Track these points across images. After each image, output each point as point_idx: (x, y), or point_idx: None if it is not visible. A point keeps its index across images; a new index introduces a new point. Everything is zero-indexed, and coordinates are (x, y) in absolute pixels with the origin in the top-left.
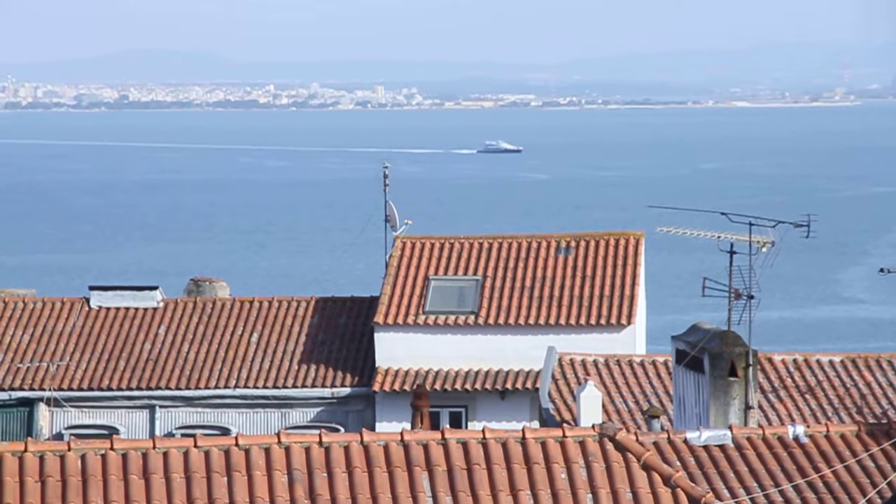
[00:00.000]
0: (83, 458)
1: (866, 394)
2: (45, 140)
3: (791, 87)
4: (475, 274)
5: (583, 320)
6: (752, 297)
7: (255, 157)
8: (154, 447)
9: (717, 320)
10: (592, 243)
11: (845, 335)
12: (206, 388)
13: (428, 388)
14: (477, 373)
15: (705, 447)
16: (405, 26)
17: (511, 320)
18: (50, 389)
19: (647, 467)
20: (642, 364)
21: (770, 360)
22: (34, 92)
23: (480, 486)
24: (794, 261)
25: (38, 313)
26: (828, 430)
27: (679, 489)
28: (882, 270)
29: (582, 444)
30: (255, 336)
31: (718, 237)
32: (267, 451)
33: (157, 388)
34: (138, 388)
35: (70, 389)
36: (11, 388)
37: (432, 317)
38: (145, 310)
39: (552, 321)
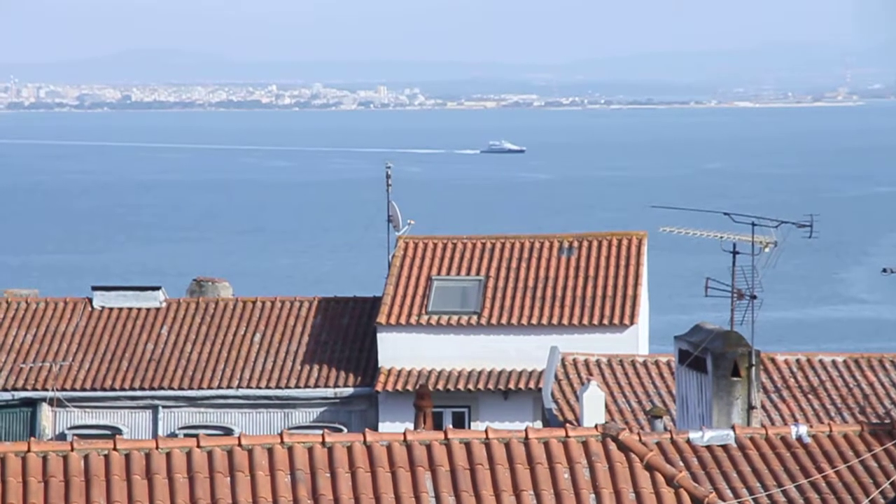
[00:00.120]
0: (86, 458)
1: (869, 394)
2: (47, 140)
3: (794, 88)
4: (478, 274)
5: (585, 320)
6: (754, 297)
7: (257, 157)
8: (157, 447)
9: (719, 320)
10: (595, 243)
11: (848, 335)
12: (209, 388)
13: (431, 388)
14: (480, 373)
15: (708, 447)
16: (408, 26)
17: (514, 320)
18: (53, 390)
19: (650, 467)
20: (645, 364)
21: (773, 360)
22: (37, 92)
23: (483, 486)
24: (796, 261)
25: (41, 313)
26: (831, 430)
27: (682, 489)
28: (885, 270)
29: (585, 444)
30: (258, 336)
31: (721, 237)
32: (270, 451)
33: (160, 388)
34: (141, 389)
35: (73, 389)
36: (14, 389)
37: (435, 317)
38: (148, 310)
39: (555, 321)
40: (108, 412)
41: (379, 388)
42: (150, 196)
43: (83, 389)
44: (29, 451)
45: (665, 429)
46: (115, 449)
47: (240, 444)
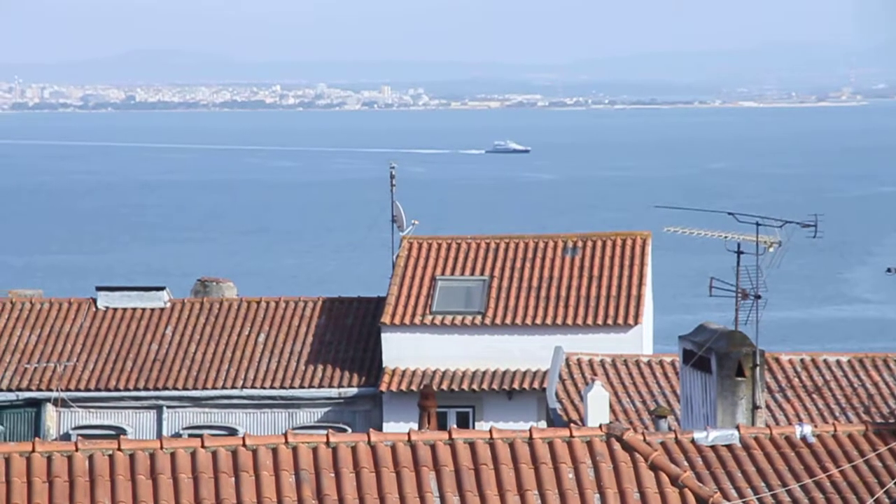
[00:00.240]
0: (91, 458)
1: (874, 393)
2: (51, 141)
3: (798, 87)
4: (482, 274)
5: (590, 320)
6: (759, 297)
7: (261, 157)
8: (161, 447)
9: (724, 320)
10: (599, 243)
11: (852, 335)
12: (214, 388)
13: (435, 388)
14: (484, 373)
15: (713, 447)
16: (412, 26)
17: (518, 320)
18: (57, 390)
19: (654, 467)
20: (649, 364)
21: (777, 360)
22: (41, 93)
23: (488, 486)
24: (801, 260)
25: (45, 314)
26: (835, 430)
27: (686, 489)
28: (889, 270)
29: (589, 444)
30: (262, 336)
31: (725, 237)
32: (274, 451)
33: (165, 388)
34: (145, 389)
35: (77, 390)
36: (19, 389)
37: (439, 317)
38: (152, 310)
39: (559, 321)
40: (113, 412)
41: (383, 388)
42: (154, 196)
43: (87, 390)
44: (33, 451)
45: (669, 429)
46: (119, 449)
47: (244, 445)
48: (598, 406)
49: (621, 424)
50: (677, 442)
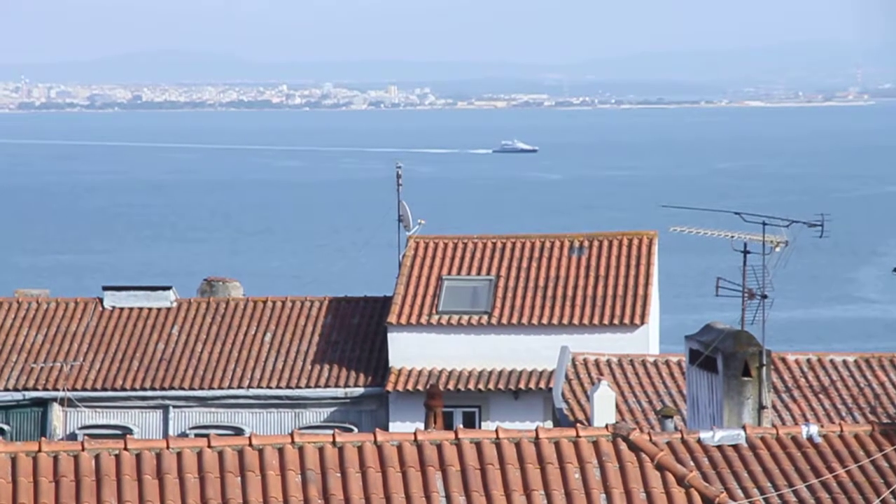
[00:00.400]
0: (97, 458)
1: (880, 394)
2: (58, 140)
3: (804, 87)
4: (488, 274)
5: (596, 320)
6: (765, 297)
7: (268, 157)
8: (168, 447)
9: (730, 320)
10: (606, 243)
11: (859, 335)
12: (220, 388)
13: (441, 388)
14: (490, 373)
15: (719, 447)
16: (417, 26)
17: (524, 320)
18: (64, 389)
19: (660, 467)
20: (655, 364)
21: (784, 360)
22: (47, 92)
23: (494, 486)
24: (807, 260)
25: (51, 313)
26: (842, 430)
27: (693, 489)
28: None
29: (595, 444)
30: (269, 336)
31: (732, 237)
32: (280, 451)
33: (171, 388)
34: (152, 389)
35: (84, 389)
36: (25, 389)
37: (445, 317)
38: (159, 310)
39: (565, 321)
40: (119, 412)
41: (389, 387)
42: (160, 196)
43: (94, 389)
44: (40, 450)
45: (676, 428)
46: (125, 449)
47: (250, 444)
48: (604, 406)
49: (627, 424)
50: (683, 442)
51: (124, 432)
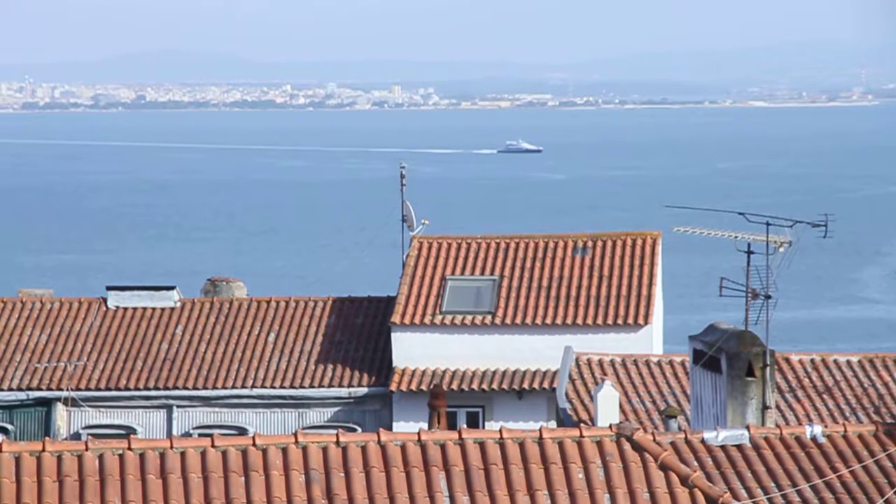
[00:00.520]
0: (101, 457)
1: (884, 394)
2: (62, 140)
3: (808, 87)
4: (492, 274)
5: (600, 320)
6: (769, 297)
7: (271, 157)
8: (171, 447)
9: (734, 320)
10: (609, 243)
11: (862, 335)
12: (224, 387)
13: (445, 387)
14: (494, 373)
15: (723, 447)
16: (421, 26)
17: (528, 320)
18: (67, 389)
19: (664, 467)
20: (659, 364)
21: (787, 360)
22: (51, 92)
23: (498, 486)
24: (811, 261)
25: (55, 313)
26: (845, 430)
27: (696, 489)
28: None
29: (599, 444)
30: (273, 336)
31: (736, 237)
32: (284, 451)
33: (175, 387)
34: (156, 388)
35: (87, 389)
36: (29, 388)
37: (449, 317)
38: (163, 310)
39: (569, 321)
40: (123, 412)
41: (393, 387)
42: (164, 196)
43: (98, 389)
44: (44, 450)
45: (679, 429)
46: (129, 448)
47: (254, 444)
48: (608, 406)
49: (631, 424)
50: (687, 442)
51: (128, 432)
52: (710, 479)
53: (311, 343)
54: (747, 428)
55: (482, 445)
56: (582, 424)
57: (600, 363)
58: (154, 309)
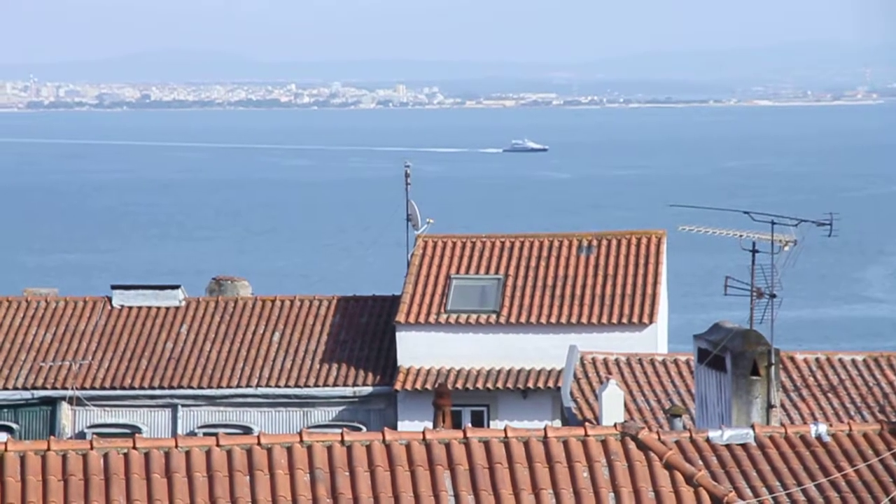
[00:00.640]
0: (106, 456)
1: (889, 392)
2: (66, 140)
3: (813, 86)
4: (497, 273)
5: (605, 319)
6: (774, 296)
7: (276, 156)
8: (176, 446)
9: (739, 319)
10: (614, 242)
11: (867, 334)
12: (229, 387)
13: (450, 387)
14: (499, 372)
15: (728, 446)
16: (426, 25)
17: (533, 319)
18: (72, 388)
19: (669, 466)
20: (664, 363)
21: (792, 359)
22: (56, 91)
23: (502, 485)
24: (816, 259)
25: (60, 312)
26: (850, 429)
27: (701, 488)
28: None
29: (604, 442)
30: (277, 335)
31: (740, 236)
32: (289, 450)
33: (180, 387)
34: (160, 387)
35: (92, 388)
36: (34, 387)
37: (454, 316)
38: (167, 309)
39: (574, 320)
40: (128, 411)
41: (398, 386)
42: (169, 195)
43: (103, 388)
44: (49, 449)
45: (684, 427)
46: (134, 448)
47: (259, 443)
48: (612, 405)
49: (636, 423)
50: (692, 441)
51: (133, 431)
52: (714, 478)
53: (315, 342)
54: (752, 427)
55: (487, 444)
56: (587, 423)
57: (605, 362)
58: (159, 308)
